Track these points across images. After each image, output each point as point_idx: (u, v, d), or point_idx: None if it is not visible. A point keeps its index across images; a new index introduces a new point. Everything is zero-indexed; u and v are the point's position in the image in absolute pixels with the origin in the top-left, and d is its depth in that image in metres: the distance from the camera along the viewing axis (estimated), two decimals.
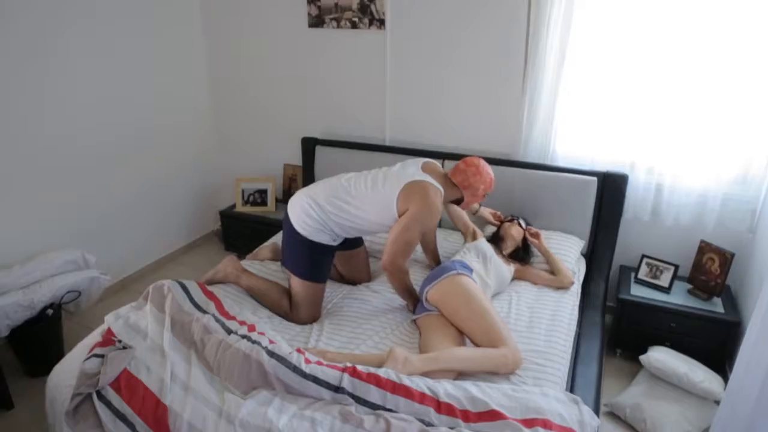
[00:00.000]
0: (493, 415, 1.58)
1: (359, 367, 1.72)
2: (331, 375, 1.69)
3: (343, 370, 1.71)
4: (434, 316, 2.07)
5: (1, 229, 2.57)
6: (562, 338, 2.09)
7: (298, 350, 1.80)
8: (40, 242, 2.71)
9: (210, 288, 2.20)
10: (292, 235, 2.27)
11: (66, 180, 2.86)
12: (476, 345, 1.95)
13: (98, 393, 1.70)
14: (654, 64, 2.54)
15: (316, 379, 1.68)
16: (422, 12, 2.99)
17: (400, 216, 2.15)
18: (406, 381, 1.68)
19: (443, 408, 1.61)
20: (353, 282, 2.57)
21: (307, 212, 2.22)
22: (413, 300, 2.27)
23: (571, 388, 1.91)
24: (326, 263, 2.34)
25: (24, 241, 2.66)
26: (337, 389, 1.66)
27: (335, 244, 2.32)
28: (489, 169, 2.33)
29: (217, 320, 1.94)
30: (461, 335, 2.01)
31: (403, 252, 2.13)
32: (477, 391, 1.66)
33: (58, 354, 2.49)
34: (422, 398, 1.63)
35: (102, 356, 1.80)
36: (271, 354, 1.75)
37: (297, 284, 2.25)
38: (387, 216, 2.17)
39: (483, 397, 1.64)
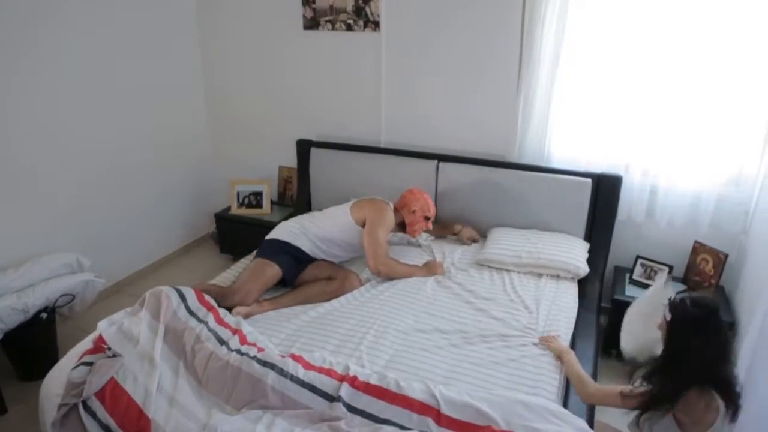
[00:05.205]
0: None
1: (360, 377, 1.68)
2: (328, 384, 1.66)
3: (342, 379, 1.67)
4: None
5: None
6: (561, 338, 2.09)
7: (292, 356, 1.77)
8: (35, 245, 2.70)
9: (207, 297, 2.14)
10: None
11: (60, 183, 2.85)
12: None
13: (84, 403, 1.65)
14: (648, 65, 2.56)
15: (313, 388, 1.65)
16: (417, 14, 3.00)
17: (358, 225, 2.57)
18: (407, 391, 1.64)
19: (443, 421, 1.56)
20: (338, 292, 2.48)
21: (292, 230, 2.60)
22: (418, 271, 2.56)
23: (566, 389, 1.91)
24: (290, 263, 2.49)
25: (18, 245, 2.65)
26: (333, 399, 1.63)
27: (310, 254, 2.58)
28: (426, 196, 2.74)
29: (211, 330, 1.89)
30: None
31: (377, 251, 2.48)
32: (486, 407, 1.58)
33: (52, 358, 2.47)
34: (422, 409, 1.59)
35: (91, 364, 1.76)
36: (263, 363, 1.71)
37: (251, 263, 2.50)
38: (346, 227, 2.58)
39: (490, 411, 1.56)
